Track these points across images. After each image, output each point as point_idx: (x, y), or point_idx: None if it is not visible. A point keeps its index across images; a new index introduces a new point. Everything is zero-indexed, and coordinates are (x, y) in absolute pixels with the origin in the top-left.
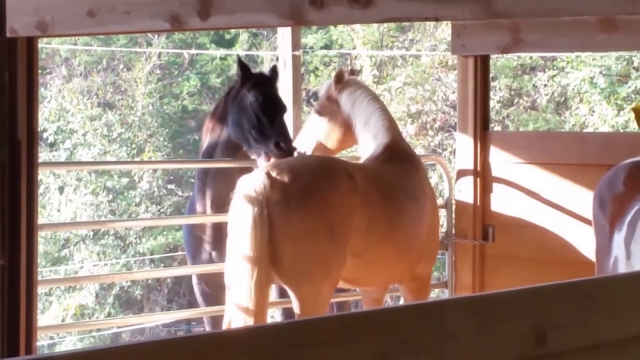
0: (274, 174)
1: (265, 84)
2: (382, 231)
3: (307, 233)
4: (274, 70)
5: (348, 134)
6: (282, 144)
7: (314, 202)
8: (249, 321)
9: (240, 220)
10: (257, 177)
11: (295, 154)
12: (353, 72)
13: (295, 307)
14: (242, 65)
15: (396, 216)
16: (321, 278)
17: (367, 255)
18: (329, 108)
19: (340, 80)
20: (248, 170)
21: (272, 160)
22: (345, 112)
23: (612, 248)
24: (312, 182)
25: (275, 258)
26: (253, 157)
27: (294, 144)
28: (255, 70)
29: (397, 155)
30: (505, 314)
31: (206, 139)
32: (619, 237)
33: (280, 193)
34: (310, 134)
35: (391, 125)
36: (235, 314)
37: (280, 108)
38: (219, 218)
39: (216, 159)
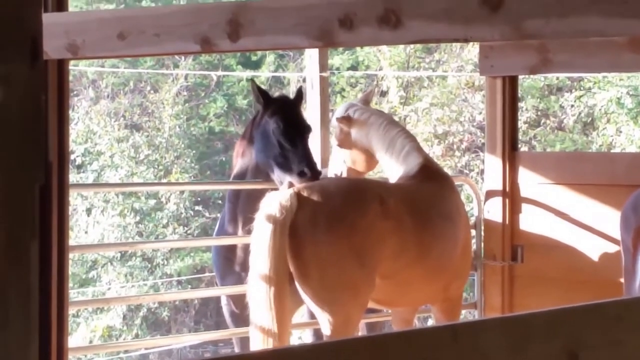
0: (304, 194)
1: (287, 108)
2: (414, 254)
3: (334, 258)
4: (299, 92)
5: (371, 157)
6: (305, 171)
7: (342, 228)
8: (269, 343)
9: (261, 236)
10: (284, 195)
11: (322, 177)
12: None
13: (324, 329)
14: (261, 91)
15: (430, 238)
16: (349, 302)
17: (399, 278)
18: (347, 140)
19: (347, 124)
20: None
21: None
22: (362, 142)
23: (636, 270)
24: (341, 207)
25: (303, 279)
26: (278, 183)
27: (320, 168)
28: (281, 92)
29: (432, 175)
30: (537, 334)
31: (237, 163)
32: None
33: (309, 214)
34: (339, 161)
35: (419, 145)
36: (255, 335)
37: (303, 131)
38: (247, 239)
39: (243, 180)
